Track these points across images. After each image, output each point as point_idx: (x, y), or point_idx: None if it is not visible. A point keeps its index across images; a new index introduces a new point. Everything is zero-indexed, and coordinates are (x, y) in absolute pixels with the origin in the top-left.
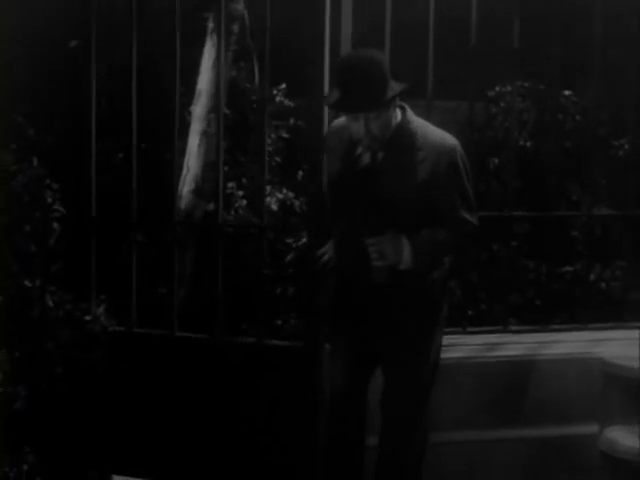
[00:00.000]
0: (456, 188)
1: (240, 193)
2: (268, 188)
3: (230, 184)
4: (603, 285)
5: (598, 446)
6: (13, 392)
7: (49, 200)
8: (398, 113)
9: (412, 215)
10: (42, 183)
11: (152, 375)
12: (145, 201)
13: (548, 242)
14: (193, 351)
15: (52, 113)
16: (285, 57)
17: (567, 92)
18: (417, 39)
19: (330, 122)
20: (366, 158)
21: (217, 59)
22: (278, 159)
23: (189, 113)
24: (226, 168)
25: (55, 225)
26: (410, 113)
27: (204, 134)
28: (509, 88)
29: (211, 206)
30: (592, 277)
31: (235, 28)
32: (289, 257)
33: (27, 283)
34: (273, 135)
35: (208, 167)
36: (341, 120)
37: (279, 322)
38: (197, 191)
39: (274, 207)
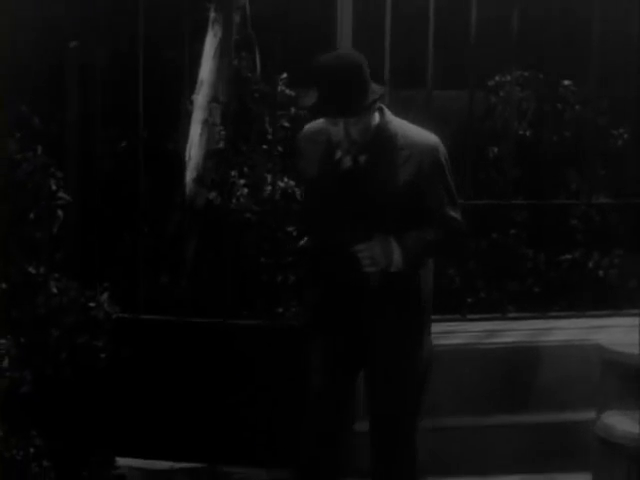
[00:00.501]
0: (441, 186)
1: (242, 182)
2: (269, 177)
3: (232, 173)
4: (601, 273)
5: (595, 431)
6: (19, 377)
7: (53, 188)
8: (376, 114)
9: (399, 216)
10: (47, 171)
11: (158, 360)
12: (148, 189)
13: (547, 230)
14: (201, 336)
15: (57, 102)
16: (286, 46)
17: (566, 82)
18: (417, 29)
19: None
20: (347, 162)
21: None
22: (280, 148)
23: (191, 102)
24: (226, 157)
25: (59, 213)
26: (388, 113)
27: (205, 123)
28: (509, 78)
29: (213, 194)
30: (590, 265)
31: (237, 18)
32: (301, 243)
33: (31, 270)
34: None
35: (210, 156)
36: (317, 123)
37: (280, 309)
38: (199, 179)
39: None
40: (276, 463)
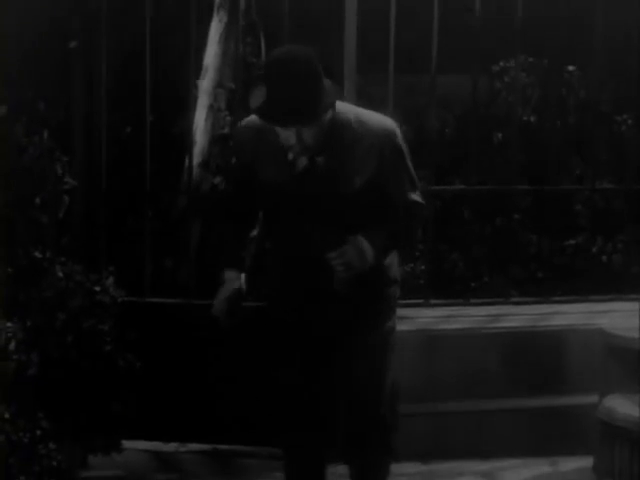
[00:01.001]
0: (403, 171)
1: None
2: None
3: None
4: (604, 258)
5: (597, 415)
6: (26, 360)
7: (59, 172)
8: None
9: (363, 210)
10: (52, 156)
11: (163, 343)
12: (153, 174)
13: (550, 216)
14: (206, 318)
15: (63, 87)
16: (291, 32)
17: (571, 67)
18: (422, 14)
19: None
20: (302, 162)
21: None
22: None
23: (196, 87)
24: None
25: (65, 197)
26: (341, 104)
27: (211, 108)
28: (513, 63)
29: (218, 179)
30: (594, 250)
31: (242, 4)
32: None
33: (37, 254)
34: None
35: (215, 141)
36: (256, 119)
37: None
38: (204, 164)
39: None
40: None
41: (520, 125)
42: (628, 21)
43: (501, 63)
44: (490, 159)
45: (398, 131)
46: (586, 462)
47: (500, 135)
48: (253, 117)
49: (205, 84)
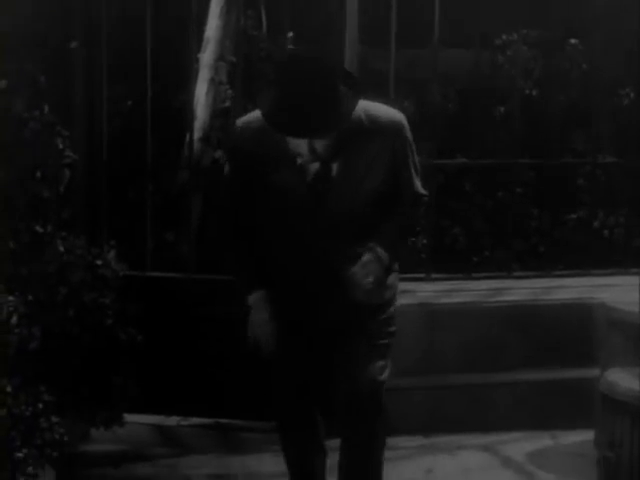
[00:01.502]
0: (411, 163)
1: None
2: None
3: None
4: (606, 232)
5: (599, 388)
6: (28, 333)
7: (60, 147)
8: None
9: (376, 210)
10: (53, 130)
11: (164, 317)
12: (154, 147)
13: (552, 189)
14: (208, 292)
15: (63, 60)
16: (292, 4)
17: (573, 40)
18: None
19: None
20: (313, 168)
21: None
22: None
23: (197, 60)
24: (233, 116)
25: (66, 171)
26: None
27: (212, 82)
28: (515, 36)
29: (219, 153)
30: (596, 224)
31: None
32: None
33: (38, 229)
34: None
35: (216, 115)
36: (260, 117)
37: None
38: (205, 138)
39: None
40: None
41: (522, 99)
42: None
43: (503, 37)
44: (492, 133)
45: (406, 122)
46: (587, 435)
47: (502, 109)
48: (254, 114)
49: (206, 57)
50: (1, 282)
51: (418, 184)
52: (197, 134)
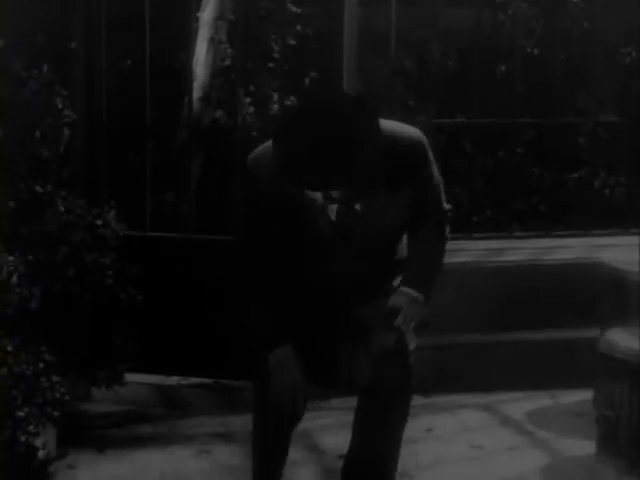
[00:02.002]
0: (435, 183)
1: (248, 100)
2: (275, 95)
3: (238, 91)
4: (607, 192)
5: (598, 348)
6: (28, 293)
7: (59, 106)
8: None
9: (401, 237)
10: (52, 89)
11: (165, 277)
12: (153, 107)
13: (553, 149)
14: (208, 253)
15: (62, 20)
16: None
17: None
18: None
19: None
20: (335, 208)
21: None
22: (286, 66)
23: (196, 19)
24: (233, 75)
25: (65, 131)
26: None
27: (211, 41)
28: None
29: (219, 113)
30: (597, 184)
31: None
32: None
33: (38, 189)
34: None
35: (216, 74)
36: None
37: None
38: (205, 98)
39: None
40: None
41: (523, 57)
42: None
43: None
44: (493, 92)
45: (425, 140)
46: (586, 395)
47: (503, 68)
48: (265, 150)
49: (205, 16)
50: (1, 242)
51: (443, 201)
52: (197, 93)
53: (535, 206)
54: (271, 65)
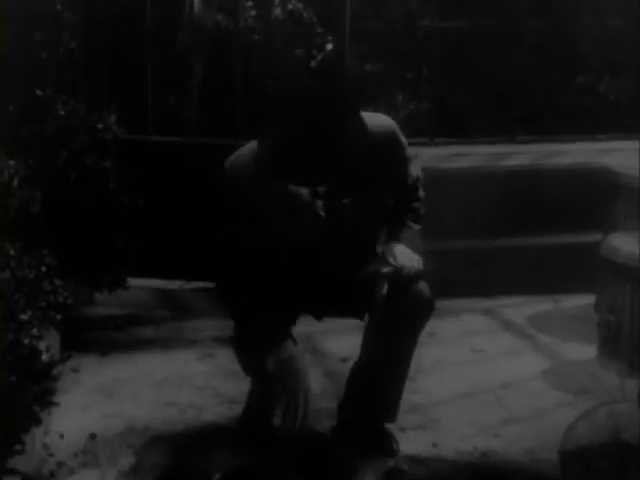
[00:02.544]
0: (409, 162)
1: (249, 3)
2: None
3: None
4: (612, 96)
5: (600, 253)
6: (29, 196)
7: (59, 8)
8: None
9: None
10: None
11: (166, 181)
12: (155, 9)
13: (557, 53)
14: (209, 156)
15: None
16: None
17: None
18: None
19: None
20: (319, 206)
21: None
22: None
23: None
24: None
25: (65, 33)
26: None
27: None
28: None
29: (220, 16)
30: (601, 88)
31: None
32: None
33: (39, 92)
34: None
35: None
36: (251, 155)
37: None
38: (206, 1)
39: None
40: None
41: None
42: None
43: None
44: None
45: (396, 126)
46: (588, 299)
47: None
48: (243, 152)
49: None
50: (1, 146)
51: (420, 187)
52: None
53: (538, 110)
54: None
